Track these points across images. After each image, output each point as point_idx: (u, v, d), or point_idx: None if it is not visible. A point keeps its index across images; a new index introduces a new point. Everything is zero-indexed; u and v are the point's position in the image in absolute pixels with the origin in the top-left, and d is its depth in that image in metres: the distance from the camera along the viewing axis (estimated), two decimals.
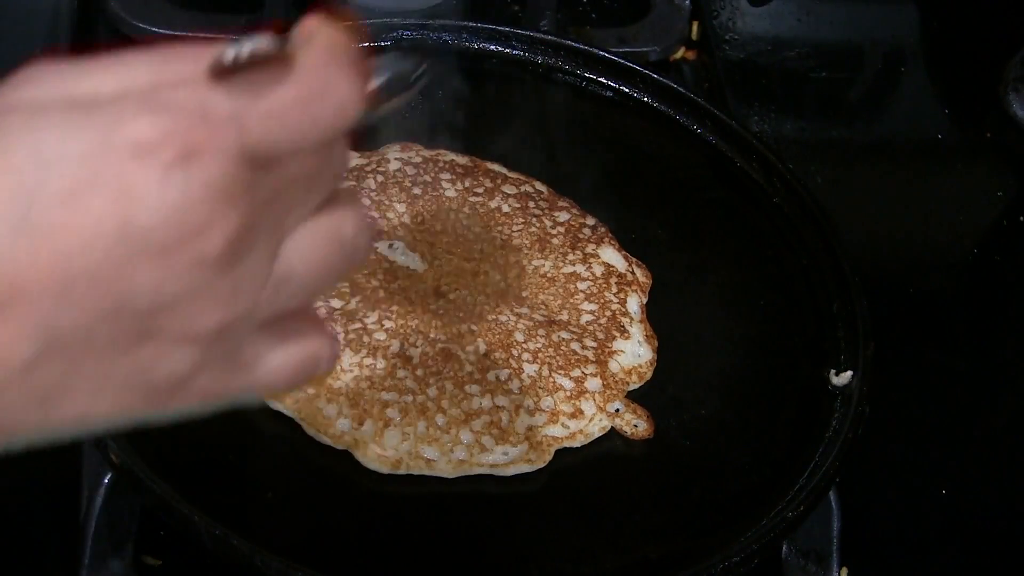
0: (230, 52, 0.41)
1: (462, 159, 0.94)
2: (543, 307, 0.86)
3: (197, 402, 0.45)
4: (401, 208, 0.89)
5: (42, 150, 0.39)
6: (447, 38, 1.01)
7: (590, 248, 0.90)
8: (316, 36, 0.43)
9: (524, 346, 0.83)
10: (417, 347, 0.81)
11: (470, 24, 1.02)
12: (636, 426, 0.81)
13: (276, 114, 0.42)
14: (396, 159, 0.93)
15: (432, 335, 0.82)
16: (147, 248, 0.40)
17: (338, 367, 0.79)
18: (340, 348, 0.48)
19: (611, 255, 0.90)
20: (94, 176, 0.39)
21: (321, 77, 0.43)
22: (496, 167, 0.95)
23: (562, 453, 0.79)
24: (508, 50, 1.01)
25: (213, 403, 0.46)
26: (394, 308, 0.82)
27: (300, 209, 0.44)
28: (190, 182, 0.40)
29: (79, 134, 0.39)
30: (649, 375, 0.85)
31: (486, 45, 1.01)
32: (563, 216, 0.92)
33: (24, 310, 0.39)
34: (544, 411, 0.80)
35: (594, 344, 0.84)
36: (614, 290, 0.88)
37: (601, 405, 0.81)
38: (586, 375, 0.82)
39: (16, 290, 0.39)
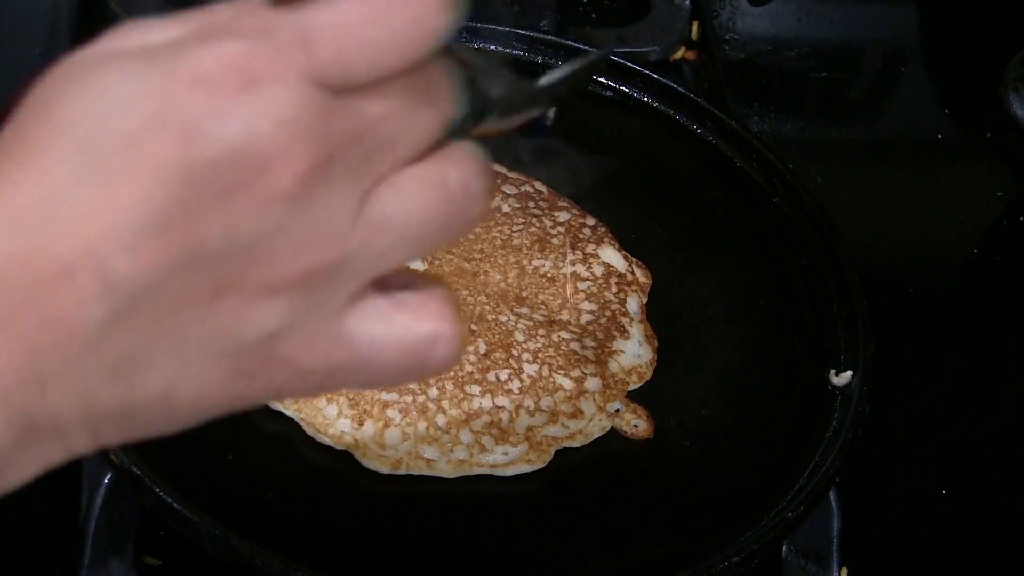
0: None
1: None
2: (543, 307, 0.86)
3: (291, 378, 0.41)
4: None
5: (106, 95, 0.37)
6: (447, 38, 1.01)
7: (590, 248, 0.90)
8: None
9: (524, 346, 0.83)
10: None
11: (470, 24, 1.02)
12: (636, 426, 0.81)
13: (346, 29, 0.38)
14: None
15: None
16: (213, 187, 0.37)
17: None
18: (462, 341, 0.43)
19: (611, 255, 0.90)
20: (156, 115, 0.37)
21: None
22: (496, 167, 0.95)
23: (562, 453, 0.79)
24: (508, 50, 1.01)
25: (310, 383, 0.42)
26: None
27: (393, 150, 0.40)
28: (254, 112, 0.37)
29: (143, 75, 0.37)
30: (649, 375, 0.85)
31: (486, 45, 1.01)
32: (563, 216, 0.92)
33: (92, 269, 0.37)
34: (544, 411, 0.80)
35: (594, 344, 0.84)
36: (614, 290, 0.88)
37: (601, 405, 0.81)
38: (586, 375, 0.82)
39: (82, 249, 0.37)
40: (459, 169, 0.41)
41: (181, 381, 0.40)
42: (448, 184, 0.41)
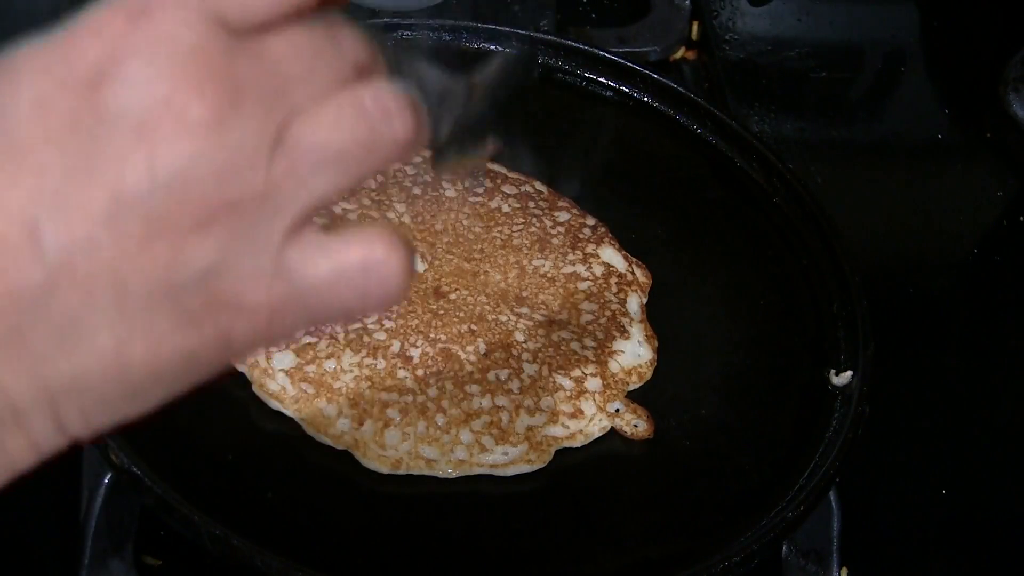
0: None
1: None
2: (543, 307, 0.86)
3: (238, 321, 0.41)
4: (401, 208, 0.89)
5: (15, 67, 0.38)
6: (447, 38, 1.01)
7: (590, 248, 0.90)
8: None
9: (524, 346, 0.83)
10: (417, 347, 0.81)
11: (470, 24, 1.02)
12: (636, 426, 0.81)
13: None
14: None
15: (432, 335, 0.82)
16: (125, 129, 0.38)
17: (338, 367, 0.79)
18: (411, 262, 0.42)
19: (611, 255, 0.90)
20: (60, 73, 0.38)
21: None
22: (496, 167, 0.95)
23: (562, 453, 0.79)
24: (508, 50, 1.01)
25: (258, 325, 0.41)
26: (394, 308, 0.82)
27: (303, 86, 0.40)
28: (154, 52, 0.38)
29: (48, 40, 0.39)
30: (649, 375, 0.85)
31: (486, 45, 1.01)
32: (563, 216, 0.92)
33: (22, 233, 0.38)
34: (544, 411, 0.80)
35: (594, 344, 0.84)
36: (614, 290, 0.88)
37: (601, 405, 0.81)
38: (586, 375, 0.82)
39: (10, 215, 0.38)
40: (374, 92, 0.41)
41: (129, 337, 0.39)
42: (364, 106, 0.41)
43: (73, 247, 0.38)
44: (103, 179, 0.38)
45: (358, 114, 0.41)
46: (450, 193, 0.91)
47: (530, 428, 0.79)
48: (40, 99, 0.38)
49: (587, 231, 0.92)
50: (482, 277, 0.86)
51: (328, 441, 0.77)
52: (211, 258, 0.39)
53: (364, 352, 0.80)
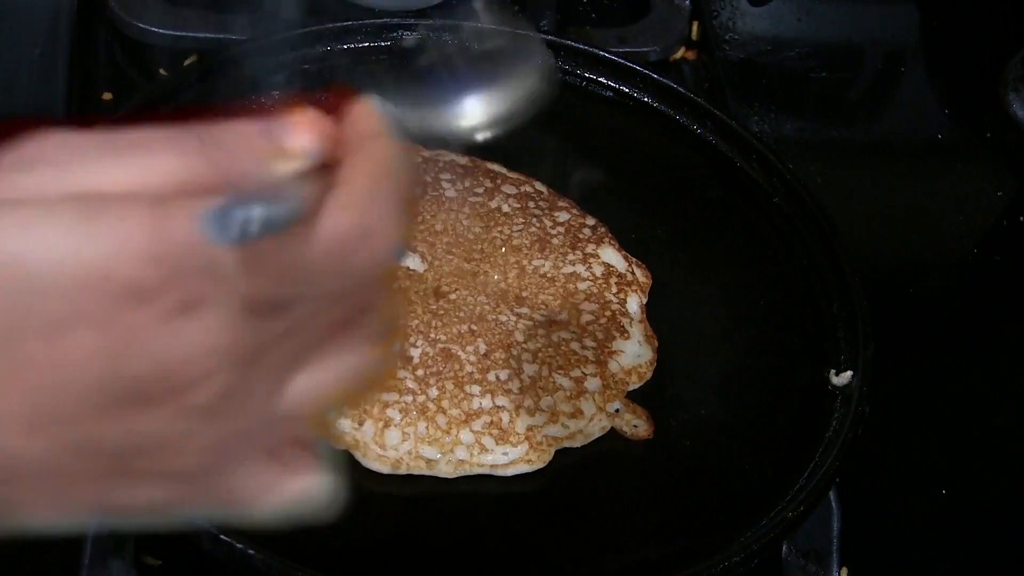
0: (237, 222, 0.36)
1: (462, 159, 0.94)
2: (543, 307, 0.86)
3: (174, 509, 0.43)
4: None
5: (31, 272, 0.36)
6: (447, 38, 1.01)
7: (590, 248, 0.90)
8: (358, 158, 0.40)
9: (524, 346, 0.83)
10: (417, 347, 0.81)
11: (470, 24, 1.02)
12: (636, 426, 0.81)
13: (290, 270, 0.39)
14: None
15: (432, 335, 0.82)
16: (131, 397, 0.38)
17: None
18: (340, 496, 0.46)
19: (611, 255, 0.90)
20: (86, 312, 0.36)
21: (351, 227, 0.39)
22: (496, 167, 0.95)
23: (562, 453, 0.79)
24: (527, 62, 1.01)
25: (193, 511, 0.43)
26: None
27: (306, 344, 0.42)
28: (186, 334, 0.37)
29: (77, 257, 0.36)
30: (649, 375, 0.85)
31: (486, 45, 1.01)
32: (563, 216, 0.92)
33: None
34: (544, 411, 0.80)
35: (594, 344, 0.84)
36: (614, 290, 0.88)
37: (601, 405, 0.81)
38: (586, 375, 0.82)
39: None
40: (349, 357, 0.43)
41: (59, 513, 0.41)
42: (343, 370, 0.43)
43: (35, 465, 0.39)
44: (89, 427, 0.38)
45: (340, 378, 0.43)
46: (450, 193, 0.91)
47: (530, 428, 0.79)
48: (61, 321, 0.37)
49: (587, 231, 0.92)
50: (482, 277, 0.86)
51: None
52: (160, 497, 0.41)
53: None
